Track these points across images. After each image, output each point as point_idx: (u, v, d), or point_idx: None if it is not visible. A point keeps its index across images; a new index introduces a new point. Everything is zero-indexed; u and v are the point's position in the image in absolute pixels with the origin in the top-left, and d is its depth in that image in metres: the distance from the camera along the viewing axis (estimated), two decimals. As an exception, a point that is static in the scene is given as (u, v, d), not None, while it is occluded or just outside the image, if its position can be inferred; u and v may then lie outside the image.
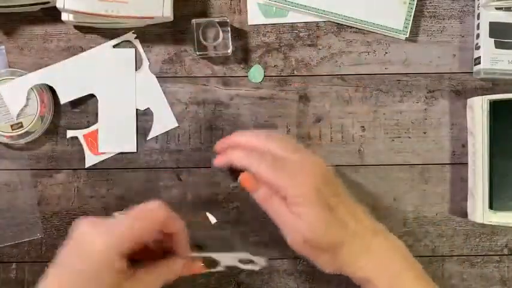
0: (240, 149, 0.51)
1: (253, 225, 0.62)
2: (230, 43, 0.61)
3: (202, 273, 0.51)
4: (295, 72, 0.63)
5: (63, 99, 0.62)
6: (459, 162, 0.63)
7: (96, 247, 0.42)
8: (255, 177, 0.50)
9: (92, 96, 0.62)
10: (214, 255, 0.51)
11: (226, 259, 0.51)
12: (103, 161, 0.62)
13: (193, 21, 0.61)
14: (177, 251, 0.49)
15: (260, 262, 0.52)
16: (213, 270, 0.51)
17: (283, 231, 0.49)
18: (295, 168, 0.48)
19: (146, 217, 0.45)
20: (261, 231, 0.62)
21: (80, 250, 0.43)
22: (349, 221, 0.48)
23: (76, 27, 0.63)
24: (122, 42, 0.63)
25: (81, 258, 0.43)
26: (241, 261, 0.52)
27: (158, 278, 0.46)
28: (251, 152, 0.50)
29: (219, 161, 0.53)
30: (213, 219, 0.56)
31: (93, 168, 0.63)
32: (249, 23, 0.63)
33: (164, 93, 0.63)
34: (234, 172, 0.52)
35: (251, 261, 0.52)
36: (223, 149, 0.53)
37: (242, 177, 0.51)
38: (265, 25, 0.63)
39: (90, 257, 0.42)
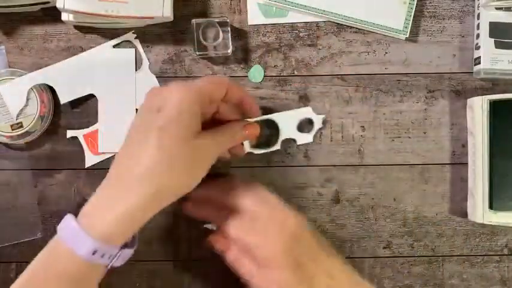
0: (210, 206, 0.53)
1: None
2: (230, 43, 0.61)
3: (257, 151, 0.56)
4: (295, 72, 0.63)
5: (63, 99, 0.62)
6: (459, 162, 0.63)
7: (175, 94, 0.45)
8: (224, 236, 0.50)
9: (92, 96, 0.62)
10: (275, 117, 0.56)
11: (285, 122, 0.57)
12: (103, 161, 0.62)
13: (193, 21, 0.61)
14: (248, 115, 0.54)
15: (318, 122, 0.57)
16: (270, 149, 0.57)
17: None
18: (264, 225, 0.48)
19: (213, 78, 0.53)
20: (261, 231, 0.63)
21: (158, 101, 0.46)
22: (321, 278, 0.47)
23: (76, 27, 0.63)
24: (122, 42, 0.63)
25: (162, 107, 0.45)
26: (299, 127, 0.57)
27: (222, 138, 0.49)
28: (220, 211, 0.51)
29: (189, 210, 0.55)
30: (213, 227, 0.57)
31: (93, 168, 0.63)
32: (249, 23, 0.63)
33: (164, 93, 0.63)
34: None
35: (309, 126, 0.58)
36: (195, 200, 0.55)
37: (211, 238, 0.52)
38: (265, 25, 0.63)
39: (172, 102, 0.45)
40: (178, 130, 0.44)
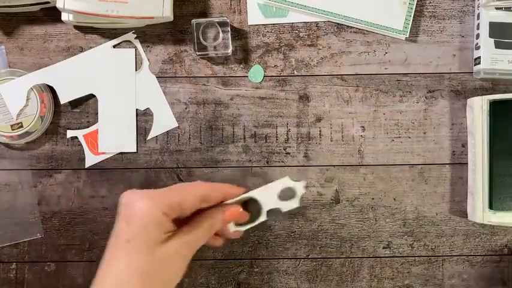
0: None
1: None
2: (230, 43, 0.61)
3: (243, 228, 0.52)
4: (295, 72, 0.63)
5: (63, 99, 0.62)
6: (459, 162, 0.63)
7: (141, 206, 0.45)
8: None
9: (92, 96, 0.62)
10: (254, 193, 0.53)
11: (266, 196, 0.53)
12: (103, 161, 0.63)
13: (193, 21, 0.61)
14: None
15: (299, 189, 0.53)
16: (256, 223, 0.53)
17: None
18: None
19: (187, 188, 0.49)
20: (261, 232, 0.63)
21: (128, 212, 0.46)
22: None
23: (76, 27, 0.63)
24: (121, 42, 0.63)
25: (129, 220, 0.45)
26: (281, 197, 0.53)
27: (202, 231, 0.48)
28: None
29: None
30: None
31: (93, 168, 0.63)
32: (249, 23, 0.63)
33: (164, 93, 0.63)
34: None
35: (291, 194, 0.53)
36: None
37: None
38: (265, 25, 0.63)
39: (137, 215, 0.45)
40: (145, 243, 0.45)
